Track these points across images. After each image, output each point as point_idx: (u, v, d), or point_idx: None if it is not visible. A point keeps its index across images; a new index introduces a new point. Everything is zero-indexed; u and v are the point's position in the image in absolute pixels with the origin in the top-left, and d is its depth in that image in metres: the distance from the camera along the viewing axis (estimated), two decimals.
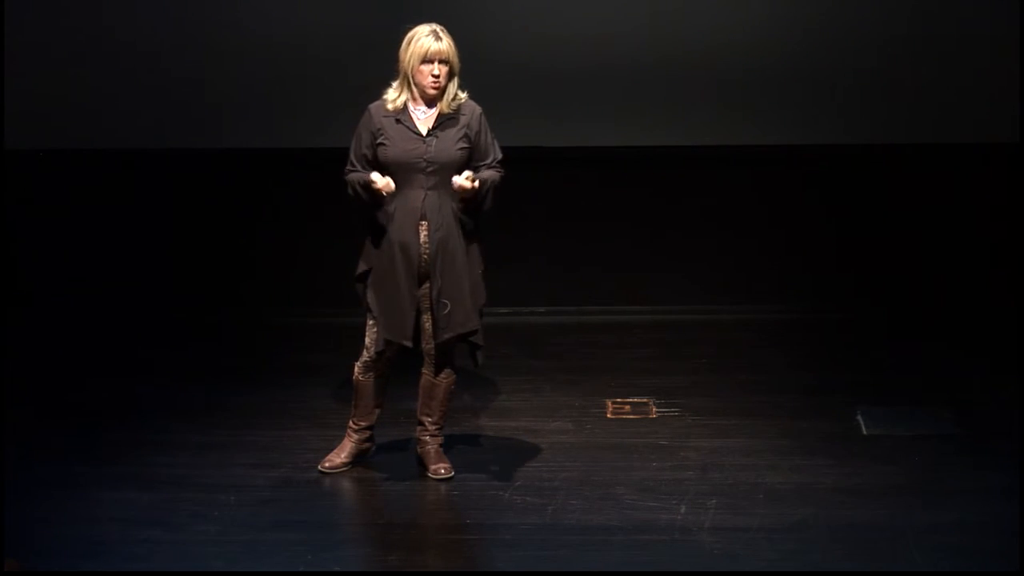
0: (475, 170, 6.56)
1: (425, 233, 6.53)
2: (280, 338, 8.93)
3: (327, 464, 6.87)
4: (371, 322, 6.67)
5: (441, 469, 6.81)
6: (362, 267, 6.66)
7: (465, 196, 6.47)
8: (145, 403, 7.82)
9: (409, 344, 6.64)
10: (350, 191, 6.57)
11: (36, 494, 6.64)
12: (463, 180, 6.41)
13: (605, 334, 8.92)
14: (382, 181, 6.43)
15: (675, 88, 8.99)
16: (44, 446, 7.26)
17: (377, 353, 6.69)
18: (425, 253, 6.55)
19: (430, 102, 6.54)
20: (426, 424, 6.88)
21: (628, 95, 8.99)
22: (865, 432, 7.31)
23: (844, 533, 6.21)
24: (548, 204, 9.19)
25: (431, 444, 6.88)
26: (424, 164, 6.50)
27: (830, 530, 6.24)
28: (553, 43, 8.94)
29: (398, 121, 6.52)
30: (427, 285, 6.59)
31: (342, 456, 6.88)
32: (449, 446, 7.01)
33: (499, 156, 6.64)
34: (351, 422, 6.90)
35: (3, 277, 9.03)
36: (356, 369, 6.79)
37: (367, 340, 6.71)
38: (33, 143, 9.07)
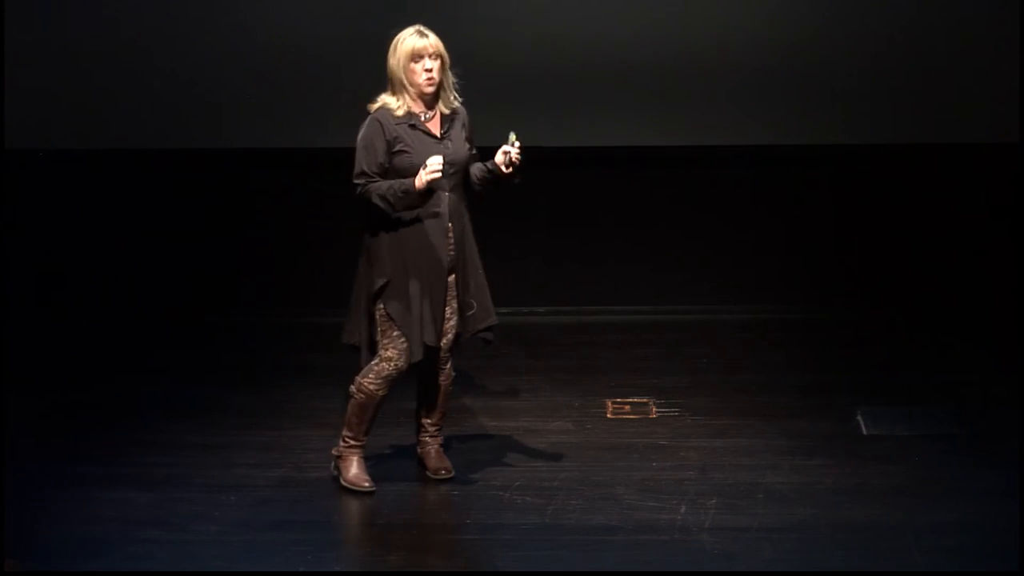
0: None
1: (451, 235, 6.51)
2: (280, 338, 8.93)
3: (366, 484, 6.67)
4: (396, 333, 6.50)
5: (442, 471, 6.80)
6: (380, 282, 6.48)
7: (507, 169, 6.45)
8: (145, 403, 7.82)
9: (439, 344, 6.57)
10: (381, 203, 6.36)
11: (36, 494, 6.64)
12: (513, 151, 6.41)
13: (605, 334, 8.92)
14: (434, 164, 6.27)
15: (675, 88, 8.99)
16: (44, 446, 7.26)
17: (406, 367, 6.54)
18: (451, 253, 6.51)
19: (429, 104, 6.53)
20: (426, 425, 6.86)
21: (628, 95, 8.99)
22: (865, 432, 7.32)
23: (844, 533, 6.21)
24: (548, 204, 9.19)
25: (431, 445, 6.87)
26: (446, 167, 6.44)
27: (830, 530, 6.24)
28: (553, 43, 8.94)
29: (413, 127, 6.47)
30: (450, 283, 6.57)
31: (360, 468, 6.73)
32: (449, 446, 7.01)
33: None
34: (356, 439, 6.71)
35: (2, 277, 9.03)
36: (369, 384, 6.60)
37: (389, 352, 6.51)
38: (33, 143, 9.07)
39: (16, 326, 8.81)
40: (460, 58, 8.56)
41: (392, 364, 6.55)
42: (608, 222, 9.24)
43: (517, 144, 6.44)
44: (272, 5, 8.98)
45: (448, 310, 6.60)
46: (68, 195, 9.22)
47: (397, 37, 6.49)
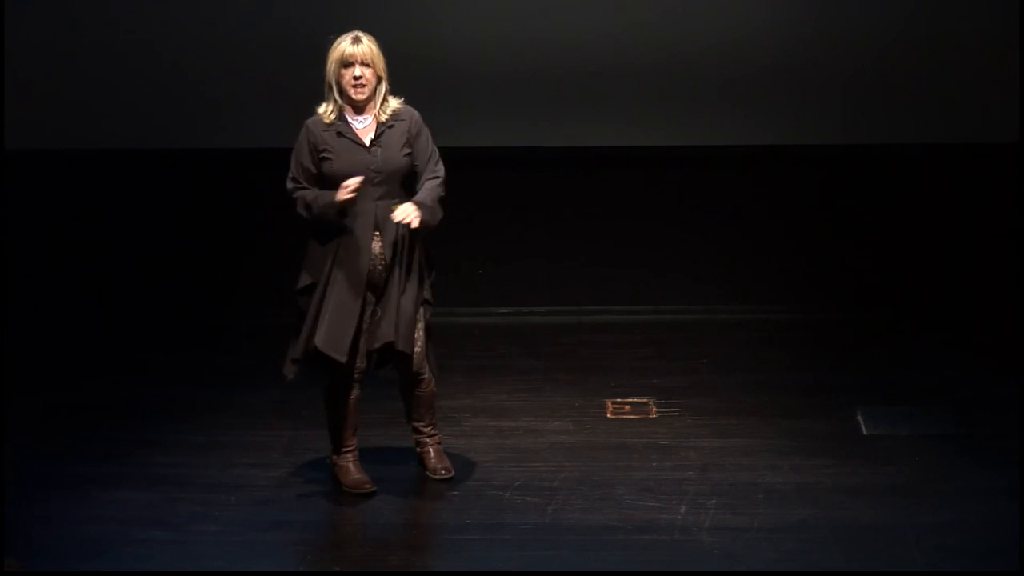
0: (417, 178, 6.49)
1: (379, 245, 6.46)
2: (280, 338, 8.90)
3: (367, 486, 6.67)
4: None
5: (442, 470, 6.80)
6: (306, 279, 6.52)
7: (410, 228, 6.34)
8: (145, 403, 7.82)
9: (343, 359, 6.44)
10: (302, 210, 6.44)
11: (36, 494, 6.65)
12: (402, 218, 6.27)
13: (605, 334, 8.92)
14: (351, 183, 6.27)
15: (675, 88, 8.99)
16: (44, 446, 7.26)
17: (313, 359, 6.48)
18: (380, 265, 6.46)
19: (362, 110, 6.48)
20: (420, 428, 6.86)
21: (628, 95, 8.99)
22: (865, 432, 7.32)
23: (844, 533, 6.21)
24: (548, 204, 9.19)
25: (430, 444, 6.87)
26: (372, 174, 6.42)
27: (830, 530, 6.24)
28: (553, 43, 8.93)
29: (339, 134, 6.45)
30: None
31: (358, 471, 6.73)
32: (449, 446, 7.01)
33: (438, 158, 6.54)
34: (344, 444, 6.70)
35: (2, 277, 9.03)
36: (332, 392, 6.63)
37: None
38: (33, 143, 9.07)
39: (16, 326, 8.80)
40: (460, 59, 8.59)
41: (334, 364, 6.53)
42: (608, 222, 9.24)
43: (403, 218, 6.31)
44: (272, 5, 8.98)
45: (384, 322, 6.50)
46: (68, 195, 9.22)
47: (334, 42, 6.47)
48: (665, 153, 9.10)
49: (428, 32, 8.80)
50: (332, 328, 6.43)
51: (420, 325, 6.58)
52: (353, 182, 6.29)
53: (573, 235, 9.26)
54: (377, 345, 6.48)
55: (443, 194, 6.49)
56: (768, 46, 8.93)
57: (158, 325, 9.07)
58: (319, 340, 6.43)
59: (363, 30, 6.56)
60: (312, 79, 8.92)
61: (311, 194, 6.46)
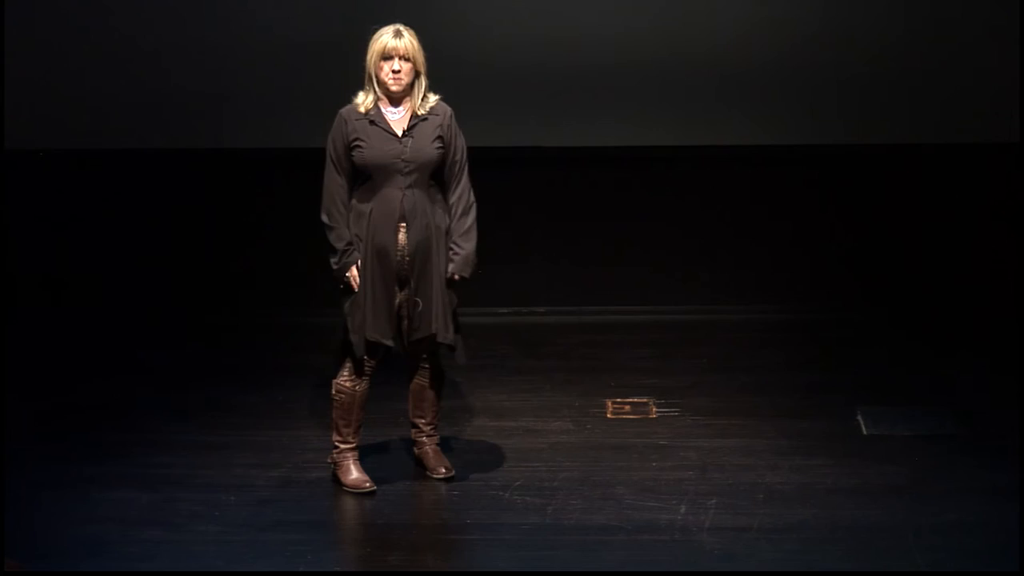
0: (449, 169, 6.55)
1: (404, 235, 6.49)
2: (280, 338, 8.94)
3: (367, 485, 6.69)
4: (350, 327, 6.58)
5: (442, 469, 6.80)
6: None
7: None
8: (145, 403, 7.82)
9: (391, 343, 6.54)
10: (330, 237, 6.52)
11: (36, 494, 6.65)
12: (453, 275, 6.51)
13: (605, 334, 8.92)
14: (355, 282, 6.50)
15: (675, 88, 8.99)
16: (44, 446, 7.26)
17: (363, 358, 6.57)
18: (406, 256, 6.49)
19: (399, 102, 6.52)
20: (421, 426, 6.86)
21: (628, 95, 8.99)
22: (865, 432, 7.32)
23: (844, 533, 6.21)
24: (548, 204, 9.19)
25: (428, 445, 6.87)
26: (402, 164, 6.46)
27: (830, 530, 6.24)
28: (553, 43, 8.94)
29: (372, 123, 6.49)
30: (407, 291, 6.55)
31: (358, 471, 6.75)
32: (449, 446, 7.01)
33: (465, 164, 6.59)
34: (346, 441, 6.72)
35: (2, 277, 9.03)
36: (345, 382, 6.64)
37: (353, 348, 6.59)
38: (33, 143, 9.07)
39: (16, 326, 8.81)
40: (459, 59, 8.58)
41: (356, 356, 6.57)
42: (607, 222, 9.24)
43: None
44: (273, 5, 8.98)
45: (406, 316, 6.57)
46: (68, 195, 9.22)
47: (376, 33, 6.51)
48: (665, 153, 9.10)
49: (426, 33, 8.78)
50: (372, 317, 6.50)
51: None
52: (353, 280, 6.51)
53: (573, 235, 9.26)
54: (419, 336, 6.55)
55: (475, 217, 6.61)
56: (768, 46, 8.93)
57: (158, 325, 9.07)
58: (369, 329, 6.50)
59: (364, 30, 6.56)
60: (312, 79, 8.98)
61: (335, 235, 6.49)
